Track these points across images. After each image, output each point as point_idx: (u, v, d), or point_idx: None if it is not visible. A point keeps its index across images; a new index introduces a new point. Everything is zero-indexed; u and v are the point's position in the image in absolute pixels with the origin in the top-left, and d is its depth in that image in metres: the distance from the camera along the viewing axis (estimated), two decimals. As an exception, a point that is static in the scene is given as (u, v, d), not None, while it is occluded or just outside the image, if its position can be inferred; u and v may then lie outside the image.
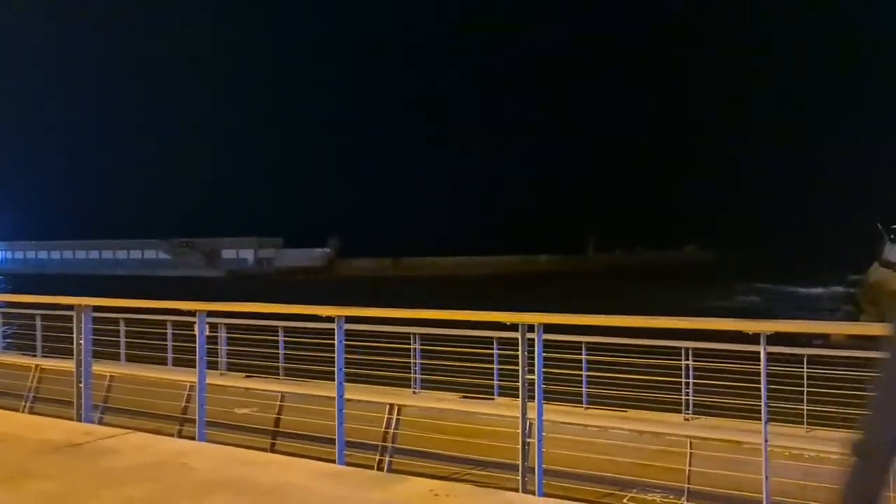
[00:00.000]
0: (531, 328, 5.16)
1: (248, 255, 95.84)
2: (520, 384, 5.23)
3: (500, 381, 8.73)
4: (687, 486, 6.59)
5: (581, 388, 8.67)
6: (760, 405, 5.12)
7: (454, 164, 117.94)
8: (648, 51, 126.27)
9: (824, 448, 6.54)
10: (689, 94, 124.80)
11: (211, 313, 6.99)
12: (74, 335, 6.83)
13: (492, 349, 8.79)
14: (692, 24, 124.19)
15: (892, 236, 53.14)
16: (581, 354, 8.54)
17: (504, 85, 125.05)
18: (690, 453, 6.75)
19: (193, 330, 6.37)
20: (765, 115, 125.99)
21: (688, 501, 6.54)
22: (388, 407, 8.26)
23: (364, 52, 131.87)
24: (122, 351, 11.65)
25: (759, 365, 5.12)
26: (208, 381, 6.57)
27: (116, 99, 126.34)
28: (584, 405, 8.62)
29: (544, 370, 5.31)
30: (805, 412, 7.24)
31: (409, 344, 9.48)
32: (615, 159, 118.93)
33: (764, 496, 5.21)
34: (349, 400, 6.26)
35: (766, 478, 5.14)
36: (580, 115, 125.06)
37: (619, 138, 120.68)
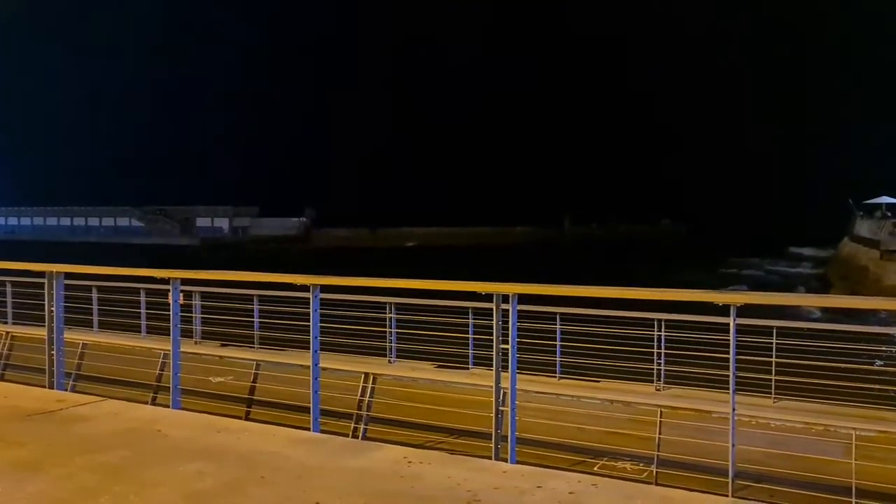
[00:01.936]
0: (505, 298, 5.19)
1: (223, 223, 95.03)
2: (494, 354, 5.28)
3: (474, 350, 8.79)
4: (657, 453, 6.73)
5: (555, 358, 8.76)
6: (730, 375, 5.21)
7: (432, 135, 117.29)
8: (622, 25, 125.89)
9: (790, 418, 6.72)
10: (666, 72, 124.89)
11: (185, 281, 6.93)
12: (46, 302, 6.75)
13: (467, 319, 8.84)
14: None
15: (861, 213, 54.07)
16: (555, 325, 8.61)
17: (482, 57, 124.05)
18: (660, 422, 6.88)
19: (168, 298, 6.33)
20: (740, 91, 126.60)
21: (657, 469, 6.68)
22: (363, 376, 8.32)
23: (334, 25, 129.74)
24: (95, 318, 11.55)
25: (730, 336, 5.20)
26: (183, 349, 6.54)
27: (90, 64, 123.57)
28: (557, 375, 8.72)
29: (518, 340, 5.36)
30: (773, 383, 7.39)
31: (385, 313, 9.50)
32: (593, 133, 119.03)
33: (730, 464, 5.34)
34: (325, 369, 6.27)
35: (733, 445, 5.26)
36: (559, 90, 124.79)
37: (599, 112, 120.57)
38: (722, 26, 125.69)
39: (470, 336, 8.80)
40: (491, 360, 5.40)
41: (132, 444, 4.22)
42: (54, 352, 6.65)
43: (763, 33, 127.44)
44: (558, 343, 8.66)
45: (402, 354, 9.68)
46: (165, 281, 6.31)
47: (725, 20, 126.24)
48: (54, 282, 6.66)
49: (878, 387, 7.25)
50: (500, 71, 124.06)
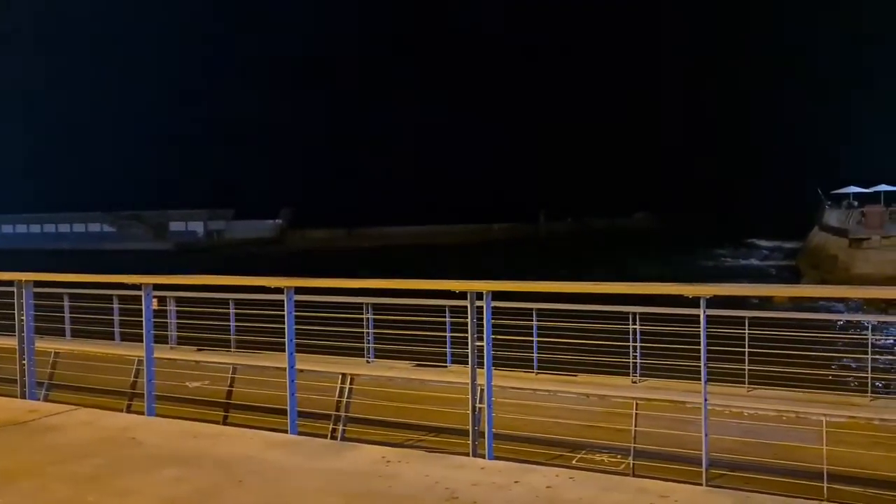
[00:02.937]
0: (480, 296, 5.22)
1: (197, 227, 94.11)
2: (469, 351, 5.30)
3: (452, 348, 8.81)
4: (633, 445, 6.81)
5: (532, 353, 8.81)
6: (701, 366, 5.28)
7: (409, 135, 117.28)
8: (593, 21, 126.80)
9: (763, 406, 6.83)
10: (637, 69, 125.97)
11: (158, 286, 6.87)
12: (16, 311, 6.66)
13: (444, 317, 8.86)
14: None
15: (830, 203, 55.01)
16: (532, 321, 8.66)
17: (453, 58, 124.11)
18: (636, 414, 6.96)
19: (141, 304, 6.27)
20: (709, 82, 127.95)
21: (634, 460, 6.76)
22: (340, 376, 8.32)
23: (309, 26, 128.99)
24: (67, 327, 11.40)
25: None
26: (158, 355, 6.50)
27: (59, 67, 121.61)
28: (534, 370, 8.78)
29: (494, 337, 5.39)
30: (746, 372, 7.49)
31: (362, 314, 9.49)
32: (566, 129, 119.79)
33: (703, 453, 5.42)
34: (302, 370, 6.26)
35: (706, 435, 5.34)
36: (535, 88, 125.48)
37: (574, 110, 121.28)
38: (694, 25, 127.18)
39: (447, 334, 8.82)
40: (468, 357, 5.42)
41: (106, 452, 4.18)
42: (25, 361, 6.57)
43: (733, 29, 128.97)
44: (535, 338, 8.71)
45: (380, 354, 9.68)
46: (138, 287, 6.26)
47: (693, 19, 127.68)
48: (23, 290, 6.58)
49: (846, 374, 7.40)
50: (478, 70, 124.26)
